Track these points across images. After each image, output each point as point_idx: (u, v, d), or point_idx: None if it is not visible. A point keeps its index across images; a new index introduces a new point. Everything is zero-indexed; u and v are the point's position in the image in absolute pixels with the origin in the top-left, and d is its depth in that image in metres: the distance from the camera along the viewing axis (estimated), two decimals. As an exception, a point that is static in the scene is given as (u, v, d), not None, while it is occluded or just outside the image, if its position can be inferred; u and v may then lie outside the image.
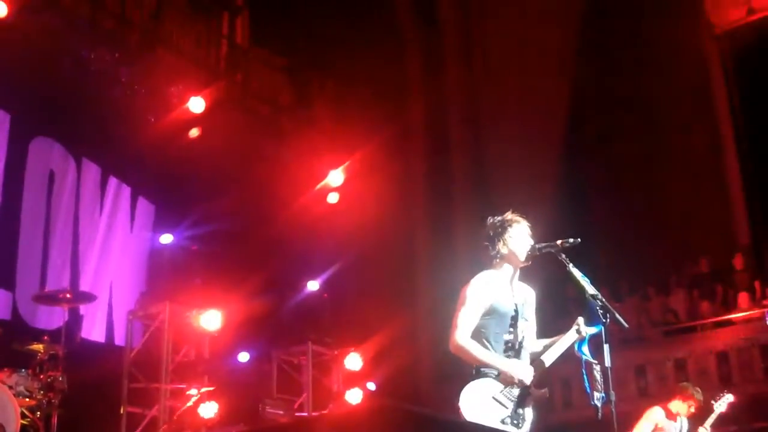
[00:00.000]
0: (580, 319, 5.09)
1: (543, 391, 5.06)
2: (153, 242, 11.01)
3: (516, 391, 4.97)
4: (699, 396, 8.62)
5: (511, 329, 5.11)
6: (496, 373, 4.97)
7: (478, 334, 5.07)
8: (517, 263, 5.21)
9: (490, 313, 5.09)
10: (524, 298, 5.26)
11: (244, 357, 11.18)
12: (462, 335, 5.03)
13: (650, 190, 16.79)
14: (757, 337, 12.84)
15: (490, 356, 5.01)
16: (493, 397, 4.92)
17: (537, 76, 17.18)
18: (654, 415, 8.53)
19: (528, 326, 5.22)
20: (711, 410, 8.71)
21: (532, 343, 5.24)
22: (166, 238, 10.48)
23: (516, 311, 5.15)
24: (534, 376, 5.01)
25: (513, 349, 5.09)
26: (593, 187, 17.82)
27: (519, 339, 5.12)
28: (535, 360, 5.13)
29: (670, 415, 8.53)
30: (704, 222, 16.13)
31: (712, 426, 8.62)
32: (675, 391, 8.78)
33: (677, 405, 8.56)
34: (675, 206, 16.47)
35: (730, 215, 16.16)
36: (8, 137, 9.60)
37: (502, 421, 4.88)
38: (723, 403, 8.74)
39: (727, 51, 16.65)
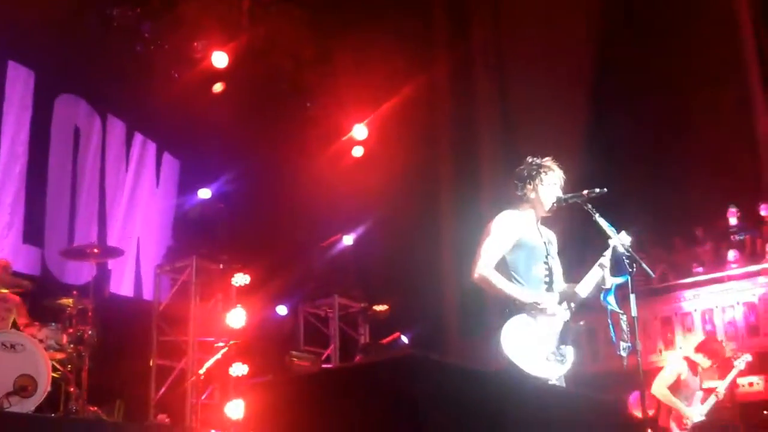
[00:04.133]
0: (607, 252, 4.96)
1: (580, 324, 4.99)
2: (181, 198, 11.07)
3: (557, 327, 4.88)
4: (724, 354, 8.49)
5: (543, 262, 5.05)
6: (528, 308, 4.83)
7: (508, 269, 4.98)
8: (541, 210, 5.16)
9: (519, 246, 5.02)
10: (549, 239, 5.21)
11: (282, 310, 11.26)
12: (485, 265, 4.93)
13: (678, 142, 16.61)
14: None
15: (513, 288, 4.89)
16: (536, 334, 4.82)
17: (564, 26, 16.95)
18: (678, 366, 8.35)
19: (556, 264, 5.17)
20: (731, 367, 8.61)
21: (560, 283, 5.15)
22: (204, 193, 10.51)
23: (545, 247, 5.11)
24: (571, 308, 4.94)
25: (546, 283, 5.02)
26: (621, 139, 17.64)
27: (552, 272, 5.06)
28: (568, 292, 5.01)
29: (694, 369, 8.32)
30: (732, 174, 15.95)
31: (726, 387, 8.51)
32: (702, 345, 8.60)
33: (701, 359, 8.36)
34: (703, 158, 16.29)
35: (758, 167, 15.97)
36: (33, 94, 9.65)
37: (547, 358, 4.81)
38: (742, 361, 8.61)
39: (756, 1, 16.33)
